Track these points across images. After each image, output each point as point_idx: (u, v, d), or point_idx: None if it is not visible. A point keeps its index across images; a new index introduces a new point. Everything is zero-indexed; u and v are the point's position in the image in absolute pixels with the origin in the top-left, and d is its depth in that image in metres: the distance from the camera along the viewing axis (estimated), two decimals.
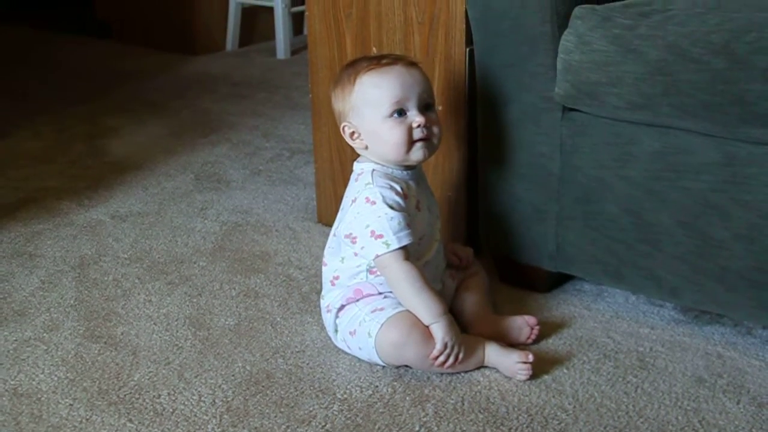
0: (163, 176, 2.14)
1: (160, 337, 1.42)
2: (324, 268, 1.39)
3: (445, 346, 1.26)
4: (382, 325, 1.28)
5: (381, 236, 1.28)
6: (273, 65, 3.36)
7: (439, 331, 1.27)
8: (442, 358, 1.27)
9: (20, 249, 1.74)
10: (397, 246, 1.27)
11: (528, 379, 1.28)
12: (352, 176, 1.37)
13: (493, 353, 1.30)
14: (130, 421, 1.21)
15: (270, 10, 3.53)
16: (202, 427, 1.20)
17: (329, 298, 1.37)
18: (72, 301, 1.53)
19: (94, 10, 3.85)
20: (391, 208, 1.29)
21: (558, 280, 1.56)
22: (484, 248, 1.57)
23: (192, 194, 2.02)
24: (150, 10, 3.59)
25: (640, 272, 1.37)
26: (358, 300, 1.33)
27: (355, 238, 1.31)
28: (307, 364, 1.34)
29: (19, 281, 1.61)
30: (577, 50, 1.30)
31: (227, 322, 1.46)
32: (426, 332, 1.27)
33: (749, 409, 1.22)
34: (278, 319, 1.47)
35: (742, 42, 1.16)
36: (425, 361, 1.27)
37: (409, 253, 1.29)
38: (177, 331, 1.43)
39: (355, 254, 1.33)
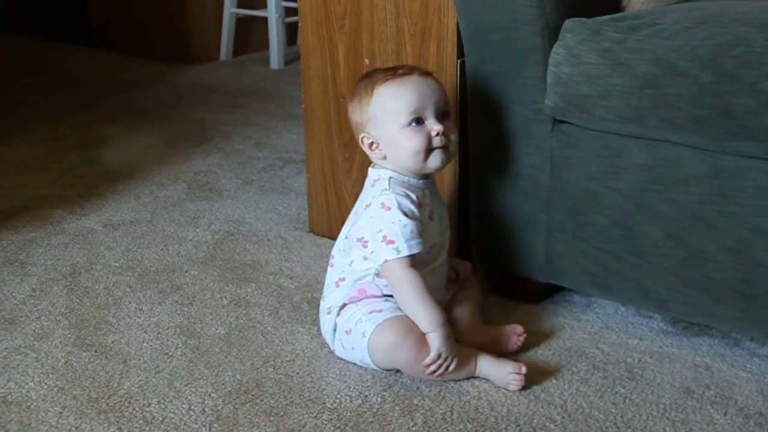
0: (156, 185, 2.14)
1: (150, 345, 1.42)
2: (330, 269, 1.40)
3: (439, 356, 1.27)
4: (377, 325, 1.29)
5: (392, 242, 1.29)
6: (267, 75, 3.36)
7: (436, 340, 1.27)
8: (433, 367, 1.27)
9: (12, 257, 1.74)
10: (407, 253, 1.29)
11: (518, 390, 1.29)
12: (367, 182, 1.38)
13: (486, 364, 1.31)
14: (120, 429, 1.21)
15: (264, 21, 3.54)
16: None
17: (331, 300, 1.38)
18: (63, 310, 1.54)
19: (88, 19, 3.85)
20: (405, 215, 1.30)
21: (548, 291, 1.56)
22: (475, 259, 1.58)
23: (184, 203, 2.03)
24: (144, 20, 3.60)
25: (628, 283, 1.38)
26: (360, 300, 1.35)
27: (366, 242, 1.33)
28: (297, 373, 1.34)
29: (10, 289, 1.61)
30: (566, 63, 1.31)
31: (218, 331, 1.46)
32: (421, 338, 1.28)
33: (736, 420, 1.22)
34: (269, 328, 1.47)
35: (729, 56, 1.17)
36: (416, 367, 1.28)
37: (416, 261, 1.31)
38: (167, 340, 1.44)
39: (365, 258, 1.34)
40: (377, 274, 1.34)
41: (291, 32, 3.75)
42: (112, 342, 1.43)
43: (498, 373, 1.30)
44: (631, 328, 1.46)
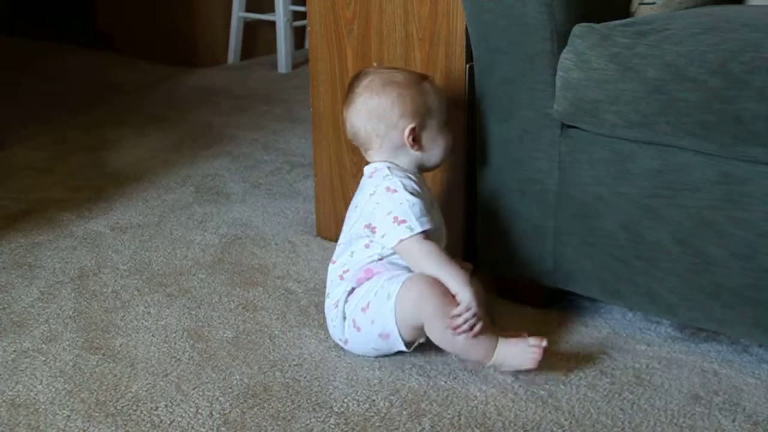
0: (164, 188, 2.15)
1: (158, 349, 1.42)
2: (332, 266, 1.42)
3: (467, 310, 1.29)
4: (403, 283, 1.31)
5: (404, 221, 1.33)
6: (274, 79, 3.37)
7: (467, 295, 1.29)
8: (460, 320, 1.28)
9: (20, 260, 1.75)
10: (420, 229, 1.33)
11: (524, 394, 1.28)
12: (364, 177, 1.42)
13: (505, 343, 1.31)
14: None
15: (272, 24, 3.55)
16: None
17: (336, 293, 1.39)
18: (71, 313, 1.54)
19: (95, 21, 3.86)
20: (412, 194, 1.35)
21: (555, 296, 1.56)
22: (482, 263, 1.58)
23: (192, 207, 2.03)
24: (152, 23, 3.61)
25: (636, 289, 1.37)
26: (369, 278, 1.36)
27: (374, 227, 1.35)
28: (305, 377, 1.34)
29: (18, 292, 1.62)
30: (576, 68, 1.31)
31: (225, 335, 1.46)
32: (447, 293, 1.30)
33: (744, 427, 1.22)
34: (276, 332, 1.47)
35: (738, 62, 1.17)
36: (442, 321, 1.29)
37: (430, 238, 1.34)
38: (175, 343, 1.44)
39: (366, 246, 1.37)
40: (380, 259, 1.36)
41: (299, 36, 3.76)
42: (120, 345, 1.43)
43: (517, 348, 1.30)
44: (638, 334, 1.46)
